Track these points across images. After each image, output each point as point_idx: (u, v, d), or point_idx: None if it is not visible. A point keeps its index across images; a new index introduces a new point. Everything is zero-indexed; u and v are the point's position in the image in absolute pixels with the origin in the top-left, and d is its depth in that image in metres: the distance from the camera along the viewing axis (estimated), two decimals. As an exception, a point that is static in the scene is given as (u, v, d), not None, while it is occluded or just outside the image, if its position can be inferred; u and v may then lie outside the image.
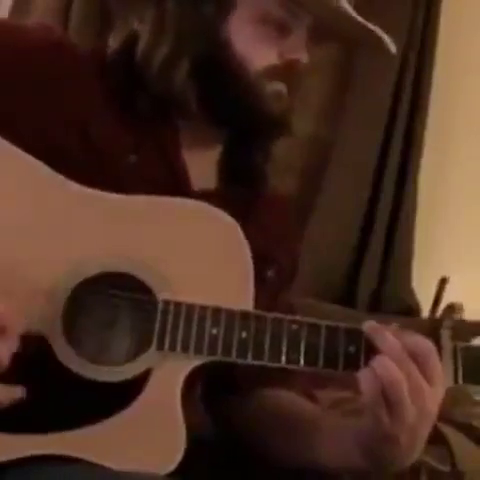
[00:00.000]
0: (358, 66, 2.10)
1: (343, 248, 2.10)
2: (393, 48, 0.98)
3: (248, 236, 0.87)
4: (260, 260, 0.88)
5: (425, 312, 2.12)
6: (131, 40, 0.95)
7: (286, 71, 0.95)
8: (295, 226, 1.20)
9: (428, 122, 2.13)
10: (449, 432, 1.39)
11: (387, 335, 0.81)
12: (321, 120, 2.09)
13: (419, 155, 2.12)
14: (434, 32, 2.13)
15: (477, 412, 1.49)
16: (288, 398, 1.03)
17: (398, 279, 2.12)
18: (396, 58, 2.10)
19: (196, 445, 0.80)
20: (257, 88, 0.94)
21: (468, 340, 0.87)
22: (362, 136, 2.10)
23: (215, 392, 1.04)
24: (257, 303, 0.86)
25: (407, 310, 2.10)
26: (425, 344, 0.81)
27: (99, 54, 0.96)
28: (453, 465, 1.37)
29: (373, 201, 2.11)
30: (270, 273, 1.03)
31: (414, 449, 0.83)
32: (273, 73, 0.95)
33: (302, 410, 0.99)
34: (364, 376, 0.80)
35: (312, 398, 1.06)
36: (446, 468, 1.36)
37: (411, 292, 2.13)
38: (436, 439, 1.36)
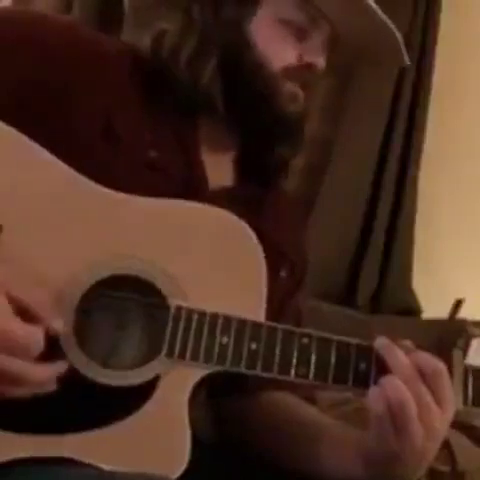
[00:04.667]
0: (359, 65, 2.10)
1: (343, 248, 2.10)
2: (407, 59, 1.01)
3: (262, 233, 0.86)
4: (274, 258, 0.87)
5: (425, 313, 2.12)
6: (160, 38, 0.97)
7: (303, 73, 0.97)
8: (303, 224, 1.19)
9: (428, 121, 2.13)
10: (449, 432, 1.38)
11: (398, 353, 0.80)
12: (322, 119, 2.09)
13: (419, 154, 2.13)
14: (434, 32, 2.13)
15: (477, 412, 1.49)
16: (295, 405, 1.02)
17: (398, 279, 2.12)
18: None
19: (196, 447, 0.80)
20: (275, 86, 0.95)
21: (469, 340, 0.87)
22: (362, 135, 2.10)
23: (221, 393, 1.03)
24: (269, 304, 0.85)
25: (407, 310, 2.10)
26: (436, 365, 0.80)
27: (127, 51, 0.98)
28: (453, 465, 1.36)
29: (373, 201, 2.11)
30: (283, 273, 1.02)
31: (420, 468, 0.83)
32: (291, 75, 0.96)
33: (308, 419, 0.99)
34: (373, 395, 0.79)
35: (312, 400, 1.05)
36: (446, 468, 1.36)
37: (411, 292, 2.13)
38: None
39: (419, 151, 2.13)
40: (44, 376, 0.77)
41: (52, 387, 0.77)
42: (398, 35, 0.98)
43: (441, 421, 0.80)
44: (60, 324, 0.78)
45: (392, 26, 0.97)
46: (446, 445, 1.37)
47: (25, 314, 0.76)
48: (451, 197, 2.15)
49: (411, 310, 2.11)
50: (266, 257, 0.85)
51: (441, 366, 0.80)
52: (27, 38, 0.90)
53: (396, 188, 2.12)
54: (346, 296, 2.08)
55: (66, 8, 1.93)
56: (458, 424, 1.43)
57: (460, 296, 1.93)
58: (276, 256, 0.91)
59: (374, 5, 0.95)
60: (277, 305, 0.89)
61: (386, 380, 0.79)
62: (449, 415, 0.81)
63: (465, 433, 1.46)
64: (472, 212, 2.13)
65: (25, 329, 0.75)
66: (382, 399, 0.78)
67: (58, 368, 0.78)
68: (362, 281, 2.08)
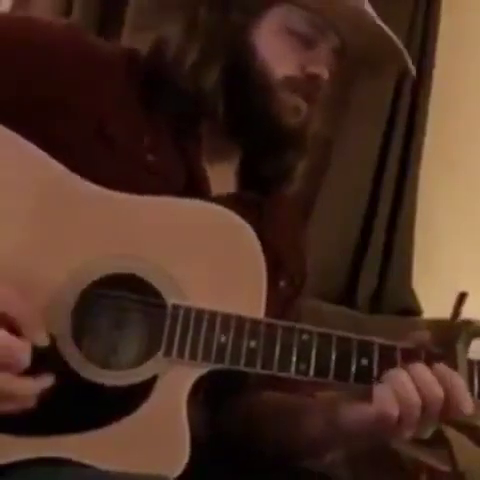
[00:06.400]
0: (359, 65, 2.10)
1: (343, 248, 2.10)
2: (411, 66, 1.01)
3: (263, 243, 0.86)
4: (273, 268, 0.87)
5: (425, 313, 2.12)
6: (161, 43, 0.96)
7: (306, 85, 0.97)
8: (303, 229, 1.20)
9: (428, 121, 2.13)
10: (449, 432, 1.39)
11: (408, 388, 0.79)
12: (321, 120, 2.08)
13: (419, 155, 2.13)
14: (434, 32, 2.13)
15: (478, 412, 1.49)
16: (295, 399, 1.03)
17: (398, 279, 2.12)
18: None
19: (195, 446, 0.80)
20: (276, 98, 0.95)
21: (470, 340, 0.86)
22: (362, 136, 2.10)
23: (221, 392, 1.03)
24: (268, 312, 0.84)
25: (407, 310, 2.10)
26: (463, 393, 0.80)
27: (124, 54, 0.98)
28: (453, 465, 1.37)
29: (373, 201, 2.11)
30: (282, 283, 1.02)
31: None
32: (293, 86, 0.96)
33: (306, 406, 0.99)
34: (381, 395, 0.79)
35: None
36: (446, 468, 1.36)
37: (411, 292, 2.13)
38: (436, 439, 1.36)
39: (419, 151, 2.13)
40: (30, 391, 0.76)
41: (32, 403, 0.76)
42: (404, 49, 0.98)
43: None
44: (42, 337, 0.77)
45: (397, 40, 0.97)
46: (446, 445, 1.37)
47: (10, 326, 0.75)
48: (451, 197, 2.15)
49: (411, 310, 2.11)
50: (266, 268, 0.85)
51: (468, 406, 0.80)
52: (28, 41, 0.91)
53: (396, 188, 2.12)
54: (346, 296, 2.08)
55: (66, 10, 1.92)
56: (459, 424, 1.43)
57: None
58: (276, 267, 0.90)
59: (379, 20, 0.95)
60: (278, 313, 0.88)
61: (397, 383, 0.79)
62: None
63: (465, 433, 1.46)
64: (472, 212, 2.13)
65: (13, 344, 0.74)
66: (391, 400, 0.78)
67: (44, 383, 0.77)
68: (362, 281, 2.08)
